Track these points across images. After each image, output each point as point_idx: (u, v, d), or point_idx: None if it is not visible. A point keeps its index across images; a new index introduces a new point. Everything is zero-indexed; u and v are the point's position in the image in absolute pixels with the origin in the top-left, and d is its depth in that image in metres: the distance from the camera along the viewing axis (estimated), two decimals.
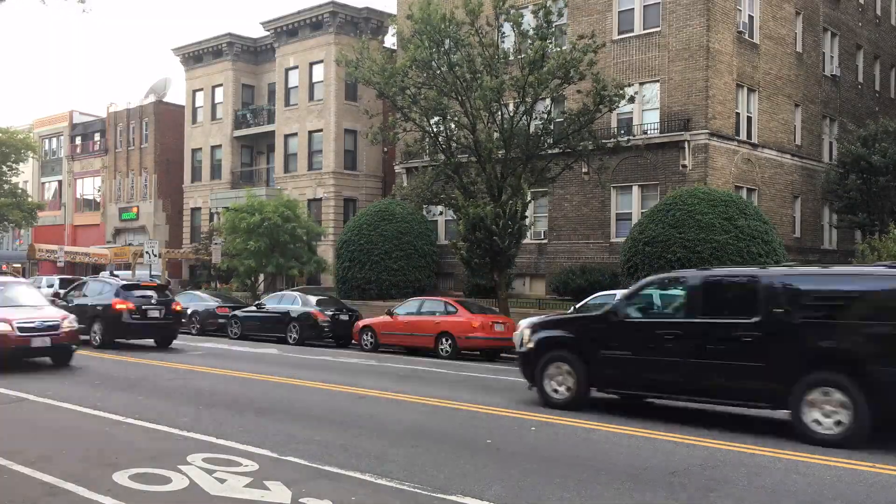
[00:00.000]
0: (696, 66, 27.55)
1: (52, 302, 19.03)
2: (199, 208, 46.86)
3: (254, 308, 26.65)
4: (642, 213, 27.55)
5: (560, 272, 28.99)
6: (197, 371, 15.70)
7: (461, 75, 23.45)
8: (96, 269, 51.30)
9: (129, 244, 48.99)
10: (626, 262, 25.03)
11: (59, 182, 58.66)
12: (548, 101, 26.02)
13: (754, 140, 29.84)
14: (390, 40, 32.37)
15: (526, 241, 26.54)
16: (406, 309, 22.88)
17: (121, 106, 52.32)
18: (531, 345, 12.35)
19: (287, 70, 41.66)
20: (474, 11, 23.05)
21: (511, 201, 23.12)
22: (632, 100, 25.46)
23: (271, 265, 31.58)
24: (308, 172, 40.32)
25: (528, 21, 24.15)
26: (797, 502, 7.02)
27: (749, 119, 29.78)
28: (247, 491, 6.73)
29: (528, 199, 24.79)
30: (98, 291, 20.78)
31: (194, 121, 47.60)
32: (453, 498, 6.73)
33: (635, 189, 28.85)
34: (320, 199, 39.64)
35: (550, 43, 23.26)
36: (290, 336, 24.53)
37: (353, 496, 6.69)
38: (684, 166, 27.49)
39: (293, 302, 25.42)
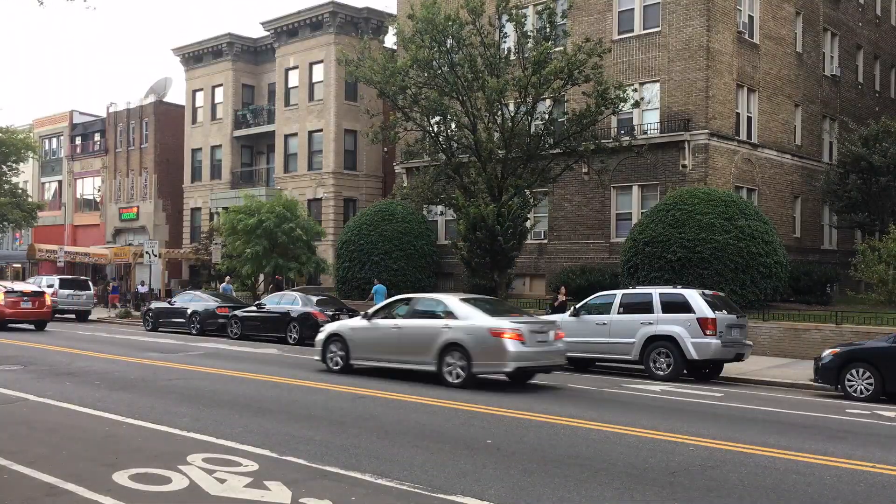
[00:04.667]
0: (696, 66, 27.54)
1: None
2: (199, 208, 46.85)
3: (254, 308, 26.63)
4: (642, 213, 27.55)
5: (560, 272, 28.97)
6: (197, 371, 15.70)
7: (462, 75, 23.45)
8: (96, 269, 51.33)
9: (129, 244, 48.97)
10: (626, 262, 25.03)
11: (59, 182, 58.64)
12: (548, 102, 26.02)
13: (754, 140, 29.83)
14: (390, 40, 32.44)
15: (526, 241, 26.56)
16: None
17: (121, 106, 52.29)
18: None
19: (287, 70, 41.65)
20: (476, 10, 23.05)
21: (512, 201, 23.12)
22: (636, 104, 25.45)
23: (269, 266, 31.55)
24: (308, 172, 40.31)
25: (531, 21, 24.17)
26: (797, 502, 7.02)
27: (749, 119, 29.77)
28: (247, 491, 6.72)
29: (531, 200, 24.80)
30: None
31: (194, 121, 47.59)
32: (453, 498, 6.72)
33: (635, 189, 28.84)
34: (320, 199, 39.63)
35: (553, 43, 23.28)
36: (291, 336, 24.52)
37: (353, 496, 6.69)
38: (684, 166, 27.48)
39: (293, 302, 25.41)
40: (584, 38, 23.94)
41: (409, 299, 16.14)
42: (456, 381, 13.93)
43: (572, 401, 13.00)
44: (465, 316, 14.34)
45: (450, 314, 14.59)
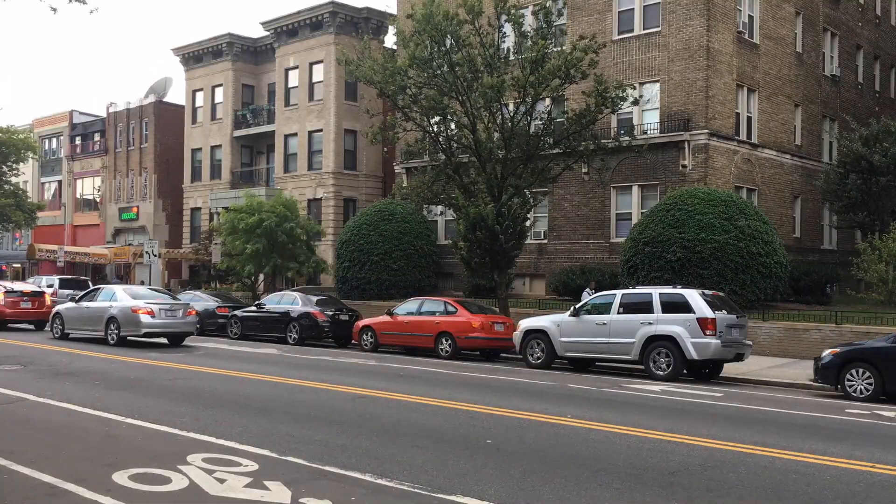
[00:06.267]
0: (696, 66, 27.54)
1: None
2: (199, 208, 46.85)
3: (254, 308, 26.63)
4: (642, 213, 27.55)
5: (560, 272, 28.98)
6: (197, 371, 15.70)
7: (462, 75, 23.44)
8: (96, 269, 51.32)
9: (129, 244, 48.97)
10: (626, 263, 25.02)
11: (59, 182, 58.65)
12: (548, 101, 26.01)
13: (754, 140, 29.83)
14: (390, 40, 32.44)
15: (526, 241, 26.57)
16: (406, 309, 22.87)
17: (121, 106, 52.29)
18: None
19: (287, 70, 41.66)
20: (474, 10, 23.04)
21: (512, 201, 23.11)
22: (635, 102, 25.45)
23: (269, 266, 31.56)
24: (308, 172, 40.31)
25: (529, 21, 24.12)
26: (797, 502, 7.02)
27: (749, 119, 29.77)
28: (247, 491, 6.72)
29: (531, 201, 24.79)
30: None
31: (194, 121, 47.58)
32: (453, 498, 6.72)
33: (635, 189, 28.84)
34: (320, 199, 39.64)
35: (551, 42, 23.24)
36: (290, 336, 24.52)
37: (352, 496, 6.69)
38: (684, 166, 27.47)
39: (293, 302, 25.41)
40: (578, 36, 23.92)
41: None
42: None
43: (572, 401, 13.01)
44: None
45: None
